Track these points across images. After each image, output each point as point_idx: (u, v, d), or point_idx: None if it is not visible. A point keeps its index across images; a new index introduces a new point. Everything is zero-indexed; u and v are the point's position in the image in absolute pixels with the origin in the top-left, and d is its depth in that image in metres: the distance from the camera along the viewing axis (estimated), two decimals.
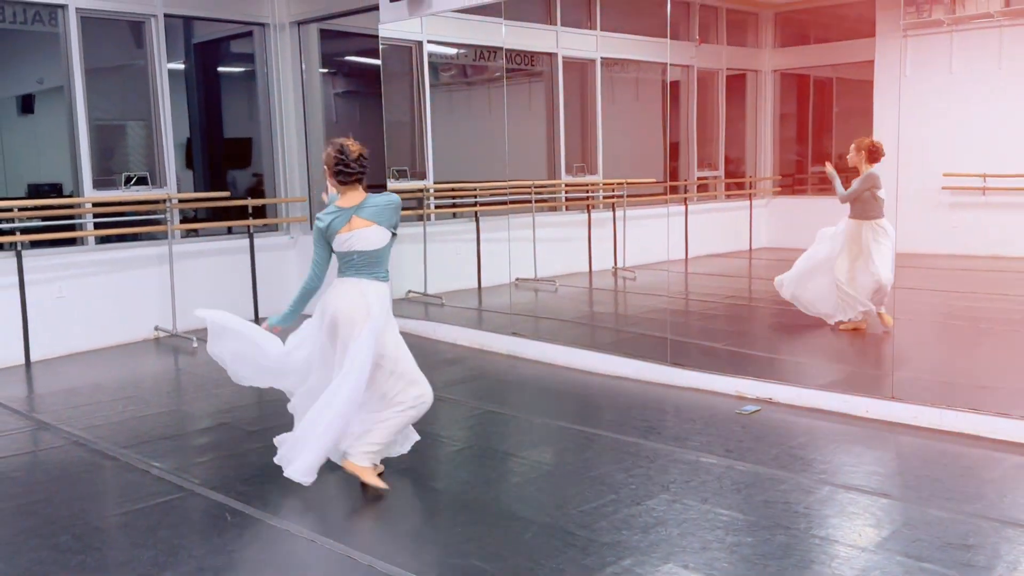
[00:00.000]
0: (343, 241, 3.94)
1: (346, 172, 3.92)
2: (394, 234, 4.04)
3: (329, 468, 4.50)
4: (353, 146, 3.94)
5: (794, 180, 8.69)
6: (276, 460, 4.15)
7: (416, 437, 4.33)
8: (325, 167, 3.99)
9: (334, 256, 4.06)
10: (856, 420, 4.97)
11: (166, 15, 7.83)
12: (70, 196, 7.74)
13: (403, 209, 8.49)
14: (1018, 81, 6.51)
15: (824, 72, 8.41)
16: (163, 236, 7.62)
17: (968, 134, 6.82)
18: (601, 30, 8.43)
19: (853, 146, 6.13)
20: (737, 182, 8.92)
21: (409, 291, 7.97)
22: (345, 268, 4.03)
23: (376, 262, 4.01)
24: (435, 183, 8.15)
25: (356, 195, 3.97)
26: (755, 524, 3.60)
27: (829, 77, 8.40)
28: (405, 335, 7.12)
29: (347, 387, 3.86)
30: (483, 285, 8.20)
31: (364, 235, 3.93)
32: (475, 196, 8.32)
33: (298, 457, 3.94)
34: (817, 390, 5.25)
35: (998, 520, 3.59)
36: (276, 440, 4.27)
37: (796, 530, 3.54)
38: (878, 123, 7.08)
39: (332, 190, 4.10)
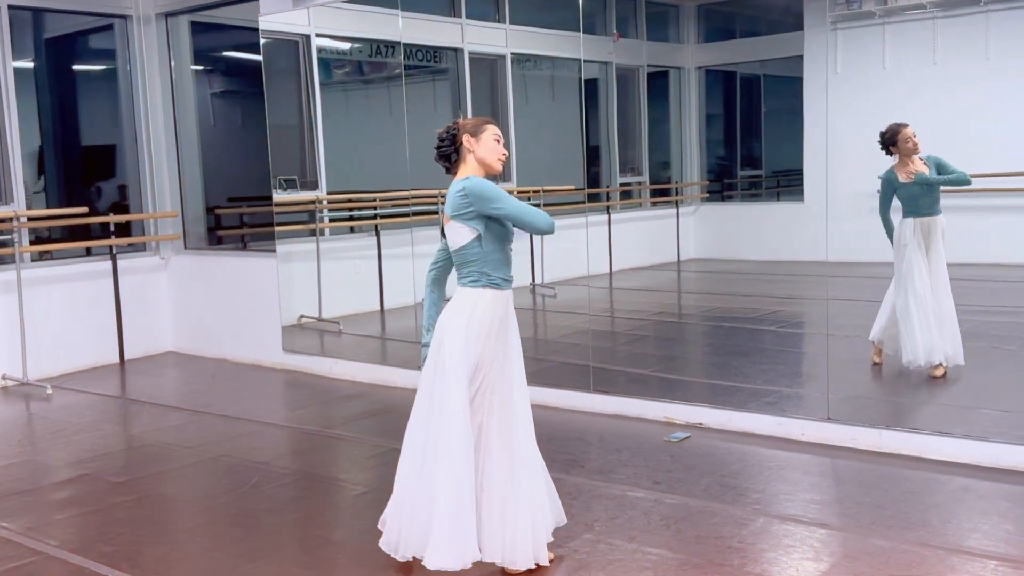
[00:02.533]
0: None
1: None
2: (477, 229, 3.58)
3: (212, 524, 4.41)
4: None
5: (723, 186, 8.93)
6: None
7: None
8: None
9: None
10: (791, 444, 5.12)
11: (10, 6, 7.60)
12: None
13: (292, 224, 8.38)
14: (953, 76, 6.82)
15: (751, 68, 8.69)
16: (10, 260, 7.37)
17: None
18: (511, 23, 8.54)
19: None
20: (662, 188, 9.12)
21: (301, 316, 7.89)
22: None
23: (463, 262, 3.65)
24: (329, 194, 8.10)
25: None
26: (686, 563, 3.67)
27: (757, 74, 8.68)
28: (297, 374, 7.04)
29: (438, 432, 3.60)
30: (386, 307, 8.17)
31: (448, 230, 3.66)
32: (375, 208, 8.29)
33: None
34: (750, 413, 5.40)
35: (943, 548, 3.73)
36: None
37: (730, 567, 3.63)
38: (808, 122, 7.35)
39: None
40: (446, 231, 3.68)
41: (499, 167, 3.74)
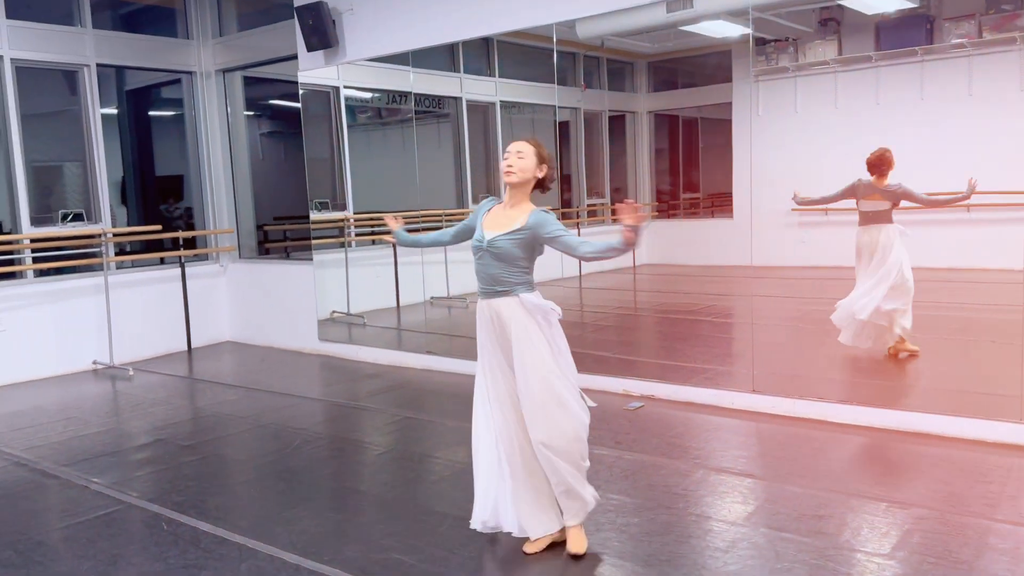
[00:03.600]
0: None
1: None
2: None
3: (262, 479, 4.40)
4: None
5: (669, 205, 8.95)
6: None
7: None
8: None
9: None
10: (724, 411, 5.14)
11: (98, 64, 7.56)
12: (9, 233, 7.37)
13: (325, 237, 8.36)
14: (851, 119, 6.86)
15: (691, 113, 8.71)
16: (99, 268, 7.33)
17: (811, 163, 7.14)
18: (500, 77, 8.52)
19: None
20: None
21: (333, 311, 7.87)
22: None
23: None
24: (355, 213, 8.08)
25: None
26: (641, 506, 3.68)
27: (695, 117, 8.70)
28: (330, 358, 7.00)
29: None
30: (401, 304, 8.15)
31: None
32: None
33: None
34: (691, 386, 5.41)
35: (844, 493, 3.76)
36: None
37: (676, 509, 3.64)
38: (737, 156, 7.37)
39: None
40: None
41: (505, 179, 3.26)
